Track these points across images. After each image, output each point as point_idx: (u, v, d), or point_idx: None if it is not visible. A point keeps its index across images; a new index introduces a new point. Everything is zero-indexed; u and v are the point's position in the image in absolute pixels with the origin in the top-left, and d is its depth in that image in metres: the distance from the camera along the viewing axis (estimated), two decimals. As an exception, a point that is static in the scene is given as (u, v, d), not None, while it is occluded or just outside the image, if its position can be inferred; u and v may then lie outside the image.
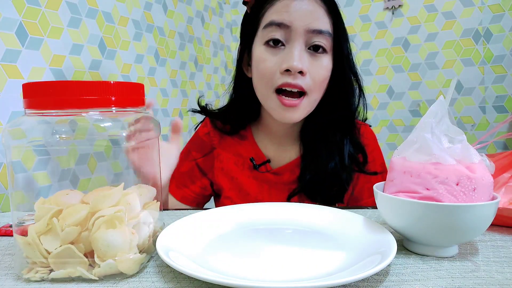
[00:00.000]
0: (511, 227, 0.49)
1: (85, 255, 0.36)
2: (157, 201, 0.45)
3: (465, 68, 1.59)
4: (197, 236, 0.46)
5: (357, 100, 0.74)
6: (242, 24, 0.77)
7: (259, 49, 0.68)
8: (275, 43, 0.66)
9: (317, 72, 0.66)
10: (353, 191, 0.77)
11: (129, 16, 1.14)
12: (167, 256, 0.37)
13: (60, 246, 0.36)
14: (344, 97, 0.72)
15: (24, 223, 0.39)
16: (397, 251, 0.38)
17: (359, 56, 1.77)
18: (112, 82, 0.38)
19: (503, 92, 1.54)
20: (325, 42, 0.66)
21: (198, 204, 0.83)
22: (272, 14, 0.67)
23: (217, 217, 0.52)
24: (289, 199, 0.73)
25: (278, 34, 0.66)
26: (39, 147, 0.41)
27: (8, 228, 0.53)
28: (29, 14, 0.82)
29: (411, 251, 0.43)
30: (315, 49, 0.66)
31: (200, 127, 0.85)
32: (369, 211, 0.59)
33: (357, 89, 0.74)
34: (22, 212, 0.40)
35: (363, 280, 0.36)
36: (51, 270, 0.37)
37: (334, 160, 0.72)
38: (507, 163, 0.59)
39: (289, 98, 0.66)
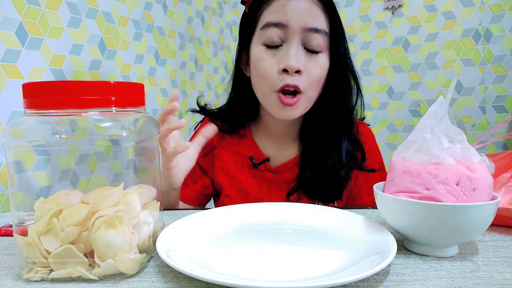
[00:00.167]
0: (511, 227, 0.49)
1: (85, 255, 0.36)
2: (157, 201, 0.45)
3: (465, 68, 1.59)
4: (197, 236, 0.46)
5: (354, 99, 0.74)
6: (240, 24, 0.78)
7: (257, 49, 0.69)
8: (272, 44, 0.67)
9: (313, 71, 0.67)
10: (352, 189, 0.77)
11: (129, 16, 1.14)
12: (167, 256, 0.37)
13: (60, 246, 0.36)
14: (342, 96, 0.73)
15: (24, 223, 0.39)
16: (397, 251, 0.38)
17: (359, 56, 1.77)
18: (112, 82, 0.38)
19: (503, 92, 1.54)
20: (321, 40, 0.67)
21: (201, 204, 0.83)
22: (269, 14, 0.68)
23: (217, 217, 0.52)
24: (288, 197, 0.73)
25: (275, 34, 0.67)
26: (39, 147, 0.41)
27: (8, 228, 0.53)
28: (29, 14, 0.82)
29: (411, 251, 0.43)
30: (311, 48, 0.67)
31: (199, 127, 0.85)
32: (369, 211, 0.59)
33: (355, 87, 0.74)
34: (22, 212, 0.40)
35: (363, 280, 0.36)
36: (51, 270, 0.37)
37: (332, 158, 0.72)
38: (507, 163, 0.59)
39: (286, 95, 0.67)
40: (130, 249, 0.37)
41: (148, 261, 0.41)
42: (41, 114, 0.38)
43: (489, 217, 0.39)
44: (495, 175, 0.56)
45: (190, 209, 0.72)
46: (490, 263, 0.39)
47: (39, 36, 0.84)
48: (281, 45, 0.68)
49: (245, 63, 0.76)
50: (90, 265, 0.37)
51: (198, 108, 0.82)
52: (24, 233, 0.37)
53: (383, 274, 0.37)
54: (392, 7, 1.69)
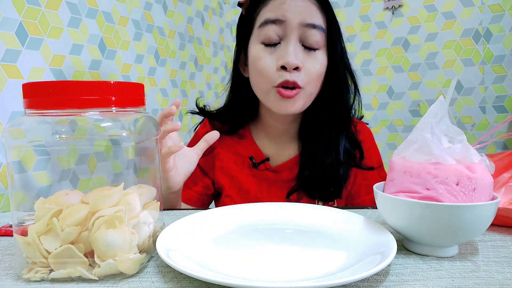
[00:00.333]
0: (511, 227, 0.49)
1: (85, 255, 0.36)
2: (157, 201, 0.45)
3: (465, 68, 1.59)
4: (197, 236, 0.46)
5: (352, 97, 0.75)
6: (237, 26, 0.79)
7: (255, 48, 0.70)
8: (271, 42, 0.68)
9: (312, 67, 0.68)
10: (351, 188, 0.78)
11: (129, 16, 1.14)
12: (167, 256, 0.37)
13: (60, 246, 0.36)
14: (339, 94, 0.73)
15: (24, 223, 0.39)
16: (397, 251, 0.38)
17: (359, 56, 1.77)
18: (112, 82, 0.38)
19: (503, 92, 1.54)
20: (319, 37, 0.68)
21: (203, 205, 0.83)
22: (266, 13, 0.69)
23: (217, 217, 0.52)
24: (288, 196, 0.74)
25: (273, 32, 0.68)
26: (39, 147, 0.41)
27: (8, 228, 0.53)
28: (29, 14, 0.82)
29: (411, 251, 0.43)
30: (309, 45, 0.68)
31: (199, 128, 0.86)
32: (369, 211, 0.59)
33: (353, 86, 0.75)
34: (22, 212, 0.40)
35: (363, 280, 0.36)
36: (51, 270, 0.37)
37: (331, 156, 0.73)
38: (507, 163, 0.59)
39: (285, 89, 0.68)
40: (130, 249, 0.37)
41: (148, 261, 0.41)
42: (41, 114, 0.38)
43: (489, 217, 0.39)
44: (495, 175, 0.56)
45: (190, 209, 0.72)
46: (490, 263, 0.39)
47: (39, 36, 0.84)
48: (279, 43, 0.68)
49: (243, 64, 0.76)
50: (90, 265, 0.37)
51: (197, 110, 0.83)
52: (24, 233, 0.37)
53: (383, 274, 0.37)
54: (392, 7, 1.69)
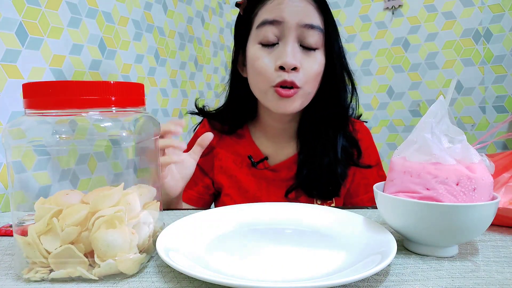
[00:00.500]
0: (511, 227, 0.49)
1: (85, 255, 0.36)
2: (157, 201, 0.45)
3: (465, 68, 1.59)
4: (197, 236, 0.46)
5: (349, 97, 0.76)
6: (235, 26, 0.79)
7: (253, 48, 0.70)
8: (269, 43, 0.69)
9: (310, 67, 0.68)
10: (350, 187, 0.78)
11: (129, 16, 1.14)
12: (167, 256, 0.37)
13: (60, 246, 0.36)
14: (336, 94, 0.74)
15: (24, 223, 0.39)
16: (397, 251, 0.38)
17: (359, 56, 1.77)
18: (112, 82, 0.38)
19: (503, 92, 1.54)
20: (316, 37, 0.69)
21: (204, 204, 0.84)
22: (264, 13, 0.69)
23: (217, 217, 0.52)
24: (286, 194, 0.74)
25: (271, 32, 0.68)
26: (39, 147, 0.41)
27: (8, 228, 0.53)
28: (29, 14, 0.82)
29: (411, 251, 0.43)
30: (307, 45, 0.69)
31: (198, 128, 0.87)
32: (369, 211, 0.59)
33: (350, 85, 0.76)
34: (22, 212, 0.40)
35: (363, 280, 0.36)
36: (51, 270, 0.37)
37: (329, 155, 0.74)
38: (507, 163, 0.59)
39: (284, 88, 0.68)
40: (130, 249, 0.37)
41: (148, 261, 0.41)
42: (41, 114, 0.38)
43: (489, 217, 0.39)
44: (495, 175, 0.56)
45: (190, 209, 0.72)
46: (490, 263, 0.39)
47: (39, 36, 0.84)
48: (277, 43, 0.69)
49: (242, 64, 0.77)
50: (90, 265, 0.37)
51: (196, 110, 0.83)
52: (24, 233, 0.37)
53: (383, 274, 0.37)
54: (392, 7, 1.69)
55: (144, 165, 0.46)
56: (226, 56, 1.74)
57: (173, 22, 1.36)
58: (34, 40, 0.83)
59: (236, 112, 0.80)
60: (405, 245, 0.44)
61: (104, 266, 0.36)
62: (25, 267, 0.38)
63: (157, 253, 0.42)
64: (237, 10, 0.78)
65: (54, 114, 0.38)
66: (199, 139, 0.69)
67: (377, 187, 0.46)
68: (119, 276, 0.37)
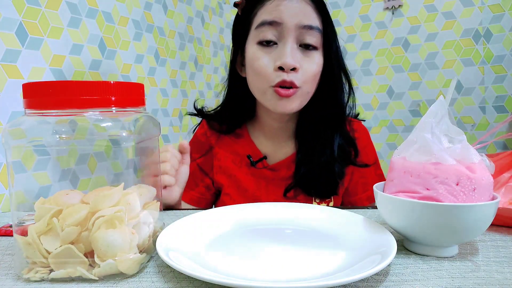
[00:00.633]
0: (511, 227, 0.49)
1: (85, 255, 0.36)
2: (157, 201, 0.45)
3: (465, 68, 1.59)
4: (197, 236, 0.46)
5: (346, 96, 0.76)
6: (233, 26, 0.80)
7: (252, 49, 0.71)
8: (267, 43, 0.69)
9: (308, 68, 0.69)
10: (348, 186, 0.79)
11: (129, 16, 1.14)
12: (167, 256, 0.37)
13: (60, 246, 0.36)
14: (334, 94, 0.75)
15: (24, 223, 0.39)
16: (397, 251, 0.38)
17: (359, 56, 1.77)
18: (112, 82, 0.38)
19: (503, 92, 1.54)
20: (315, 38, 0.69)
21: (207, 204, 0.84)
22: (263, 14, 0.69)
23: (217, 217, 0.52)
24: (285, 193, 0.75)
25: (270, 33, 0.68)
26: (39, 147, 0.41)
27: (8, 228, 0.53)
28: (29, 14, 0.82)
29: (411, 251, 0.43)
30: (306, 45, 0.69)
31: (197, 129, 0.88)
32: (369, 211, 0.59)
33: (347, 85, 0.77)
34: (22, 212, 0.40)
35: (363, 280, 0.36)
36: (51, 270, 0.37)
37: (326, 154, 0.74)
38: (507, 163, 0.59)
39: (283, 88, 0.69)
40: (130, 249, 0.37)
41: (148, 261, 0.41)
42: (41, 114, 0.38)
43: (489, 217, 0.39)
44: (495, 175, 0.56)
45: (191, 209, 0.72)
46: (490, 263, 0.39)
47: (39, 36, 0.84)
48: (276, 44, 0.69)
49: (240, 64, 0.77)
50: (90, 265, 0.37)
51: (195, 111, 0.84)
52: (24, 233, 0.37)
53: (383, 274, 0.37)
54: (392, 7, 1.69)
55: (144, 165, 0.46)
56: (226, 56, 1.74)
57: (173, 22, 1.36)
58: (34, 40, 0.83)
59: (234, 112, 0.81)
60: (405, 245, 0.44)
61: (104, 266, 0.36)
62: (25, 267, 0.38)
63: (157, 253, 0.42)
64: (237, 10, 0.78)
65: (54, 114, 0.38)
66: (179, 148, 0.70)
67: (377, 187, 0.45)
68: (119, 276, 0.37)
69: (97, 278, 0.36)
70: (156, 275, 0.38)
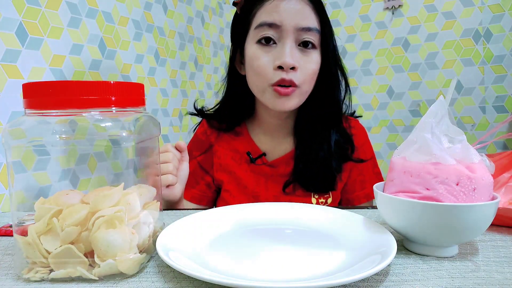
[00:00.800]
0: (511, 227, 0.49)
1: (85, 255, 0.36)
2: (157, 201, 0.45)
3: (465, 68, 1.59)
4: (197, 236, 0.46)
5: (343, 94, 0.78)
6: (232, 24, 0.81)
7: (252, 48, 0.72)
8: (267, 41, 0.70)
9: (307, 67, 0.71)
10: (347, 183, 0.81)
11: (129, 16, 1.14)
12: (167, 256, 0.37)
13: (60, 246, 0.36)
14: (331, 92, 0.76)
15: (24, 223, 0.39)
16: (397, 251, 0.38)
17: (359, 56, 1.77)
18: (112, 82, 0.38)
19: (503, 92, 1.54)
20: (313, 38, 0.71)
21: (208, 202, 0.86)
22: (262, 15, 0.71)
23: (217, 217, 0.52)
24: (284, 189, 0.77)
25: (269, 34, 0.70)
26: (39, 147, 0.41)
27: (8, 228, 0.53)
28: (29, 14, 0.82)
29: (411, 251, 0.43)
30: (304, 45, 0.71)
31: (198, 128, 0.89)
32: (369, 211, 0.59)
33: (343, 82, 0.78)
34: (22, 212, 0.40)
35: (363, 280, 0.36)
36: (51, 270, 0.37)
37: (324, 150, 0.76)
38: (507, 163, 0.59)
39: (282, 87, 0.70)
40: (130, 249, 0.37)
41: (148, 261, 0.41)
42: (41, 114, 0.38)
43: (489, 217, 0.39)
44: (495, 175, 0.56)
45: (190, 209, 0.72)
46: (490, 263, 0.39)
47: (39, 36, 0.84)
48: (275, 44, 0.71)
49: (239, 62, 0.79)
50: (90, 265, 0.37)
51: (195, 111, 0.86)
52: (24, 233, 0.37)
53: (383, 274, 0.37)
54: (392, 7, 1.69)
55: (144, 165, 0.46)
56: (226, 56, 1.74)
57: (173, 22, 1.36)
58: (34, 40, 0.83)
59: (234, 109, 0.82)
60: (405, 245, 0.44)
61: (104, 266, 0.36)
62: (25, 267, 0.38)
63: (157, 253, 0.42)
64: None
65: (54, 114, 0.38)
66: (176, 147, 0.72)
67: (377, 187, 0.45)
68: (119, 276, 0.37)
69: (97, 278, 0.36)
70: (156, 275, 0.38)
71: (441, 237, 0.40)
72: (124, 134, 0.39)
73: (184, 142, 0.71)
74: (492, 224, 0.47)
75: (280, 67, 0.68)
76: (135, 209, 0.39)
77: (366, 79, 1.76)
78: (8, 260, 0.43)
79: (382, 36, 1.72)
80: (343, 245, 0.44)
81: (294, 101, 0.72)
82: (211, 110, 0.86)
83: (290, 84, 0.69)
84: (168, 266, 0.40)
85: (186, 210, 0.66)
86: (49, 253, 0.36)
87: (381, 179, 0.83)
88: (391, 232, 0.43)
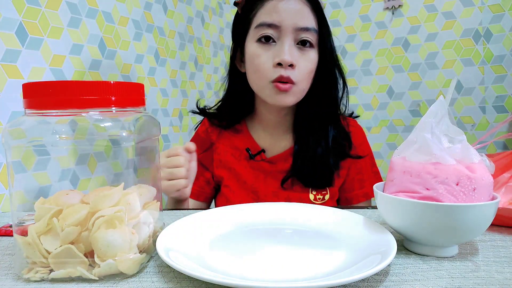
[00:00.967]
0: (511, 227, 0.49)
1: (85, 255, 0.36)
2: (157, 201, 0.45)
3: (465, 68, 1.59)
4: (197, 236, 0.46)
5: (340, 92, 0.81)
6: (233, 23, 0.84)
7: (252, 46, 0.75)
8: (267, 40, 0.73)
9: (305, 65, 0.73)
10: (345, 181, 0.83)
11: (129, 16, 1.14)
12: (167, 256, 0.37)
13: (60, 246, 0.36)
14: (328, 89, 0.79)
15: (24, 223, 0.39)
16: (397, 251, 0.38)
17: (359, 56, 1.77)
18: (112, 82, 0.38)
19: (503, 92, 1.54)
20: (311, 37, 0.74)
21: (206, 198, 0.88)
22: (262, 15, 0.74)
23: (217, 217, 0.52)
24: (282, 184, 0.79)
25: (269, 33, 0.73)
26: (39, 147, 0.41)
27: (8, 228, 0.53)
28: (29, 14, 0.82)
29: (411, 251, 0.43)
30: (303, 44, 0.74)
31: (199, 127, 0.91)
32: (369, 211, 0.59)
33: (341, 81, 0.80)
34: (22, 212, 0.40)
35: (363, 280, 0.36)
36: (51, 270, 0.37)
37: (321, 147, 0.78)
38: (507, 163, 0.59)
39: (281, 83, 0.72)
40: (130, 249, 0.37)
41: (148, 261, 0.41)
42: (41, 114, 0.38)
43: (489, 217, 0.39)
44: (495, 175, 0.56)
45: (190, 209, 0.73)
46: (490, 263, 0.39)
47: (39, 36, 0.84)
48: (275, 42, 0.73)
49: (240, 60, 0.82)
50: (90, 265, 0.37)
51: (197, 110, 0.88)
52: (24, 233, 0.37)
53: (383, 274, 0.37)
54: (392, 7, 1.69)
55: (144, 165, 0.46)
56: (226, 56, 1.74)
57: (173, 22, 1.36)
58: (34, 40, 0.83)
59: (234, 107, 0.84)
60: (405, 245, 0.44)
61: (104, 266, 0.36)
62: (25, 267, 0.38)
63: (157, 253, 0.42)
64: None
65: (54, 114, 0.38)
66: (185, 149, 0.71)
67: (377, 187, 0.45)
68: (119, 276, 0.37)
69: (97, 278, 0.36)
70: (156, 275, 0.38)
71: (441, 237, 0.40)
72: (124, 134, 0.39)
73: (193, 143, 0.71)
74: (492, 224, 0.47)
75: (279, 64, 0.71)
76: (135, 209, 0.39)
77: (366, 79, 1.76)
78: (8, 260, 0.43)
79: (382, 36, 1.72)
80: (343, 245, 0.44)
81: (292, 97, 0.74)
82: (212, 109, 0.88)
83: (287, 81, 0.71)
84: (168, 266, 0.40)
85: (186, 210, 0.66)
86: (49, 253, 0.36)
87: (379, 178, 0.84)
88: (391, 232, 0.43)
